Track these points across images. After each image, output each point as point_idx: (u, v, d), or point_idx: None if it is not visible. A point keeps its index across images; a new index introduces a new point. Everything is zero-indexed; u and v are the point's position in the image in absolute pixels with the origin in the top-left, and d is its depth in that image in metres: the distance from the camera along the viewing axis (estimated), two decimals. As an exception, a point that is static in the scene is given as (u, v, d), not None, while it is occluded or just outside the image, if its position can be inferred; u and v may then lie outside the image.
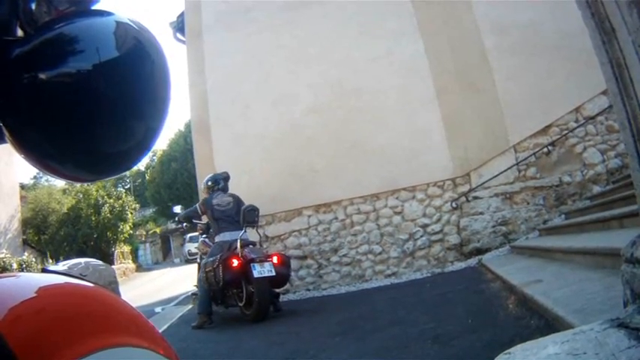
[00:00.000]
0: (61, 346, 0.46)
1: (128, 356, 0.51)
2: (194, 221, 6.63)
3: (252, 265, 5.15)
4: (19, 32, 0.52)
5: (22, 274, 0.63)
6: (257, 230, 6.12)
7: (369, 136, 7.41)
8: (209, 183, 6.31)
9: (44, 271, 0.65)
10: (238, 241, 5.44)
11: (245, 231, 5.67)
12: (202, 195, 6.38)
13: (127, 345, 0.52)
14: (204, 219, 6.47)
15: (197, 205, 6.26)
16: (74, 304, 0.54)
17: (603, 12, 1.49)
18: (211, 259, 5.46)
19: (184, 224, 6.77)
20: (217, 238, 5.81)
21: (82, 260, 6.16)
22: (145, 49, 0.54)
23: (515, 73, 7.14)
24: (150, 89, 0.54)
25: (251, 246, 5.65)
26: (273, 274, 5.21)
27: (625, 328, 1.33)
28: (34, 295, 0.52)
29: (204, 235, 6.60)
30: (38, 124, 0.49)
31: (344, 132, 7.52)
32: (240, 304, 5.45)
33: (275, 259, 5.40)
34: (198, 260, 6.69)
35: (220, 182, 6.31)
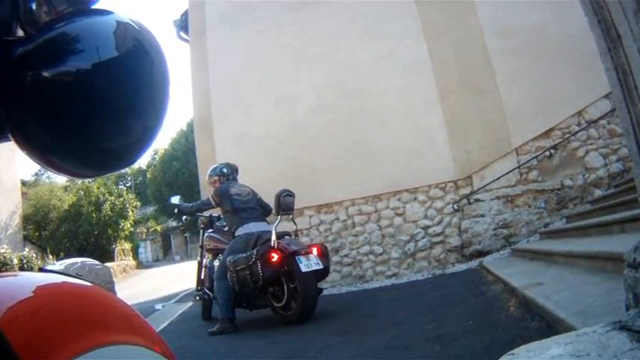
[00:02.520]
0: (59, 344, 0.47)
1: (124, 354, 0.52)
2: (197, 214, 5.94)
3: (297, 258, 4.57)
4: (20, 32, 0.54)
5: (20, 273, 0.64)
6: (293, 219, 5.40)
7: (372, 137, 7.43)
8: (224, 170, 5.64)
9: (42, 270, 0.66)
10: (273, 232, 4.75)
11: (280, 220, 5.01)
12: (212, 186, 5.64)
13: (123, 343, 0.53)
14: (206, 212, 5.90)
15: (209, 196, 5.49)
16: (71, 303, 0.55)
17: (610, 19, 1.51)
18: (244, 254, 4.75)
19: (184, 217, 6.00)
20: (240, 231, 5.09)
21: (79, 260, 6.13)
22: (144, 48, 0.55)
23: (518, 76, 7.15)
24: (148, 88, 0.56)
25: (287, 237, 4.96)
26: (321, 267, 4.68)
27: (627, 331, 1.36)
28: (32, 294, 0.53)
29: (209, 230, 5.90)
30: (41, 120, 0.51)
31: (346, 132, 7.54)
32: (279, 305, 4.78)
33: (315, 251, 4.85)
34: (199, 259, 6.12)
35: (231, 172, 5.69)
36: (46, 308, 0.51)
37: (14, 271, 12.66)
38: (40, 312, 0.50)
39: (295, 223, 5.45)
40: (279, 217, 4.99)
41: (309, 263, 4.59)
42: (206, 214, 5.96)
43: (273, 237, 4.70)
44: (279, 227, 4.94)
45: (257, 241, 4.91)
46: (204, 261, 5.99)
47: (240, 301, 5.04)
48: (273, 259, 4.56)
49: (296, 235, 5.33)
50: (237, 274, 4.70)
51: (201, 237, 6.08)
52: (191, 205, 5.72)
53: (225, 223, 5.71)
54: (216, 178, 5.59)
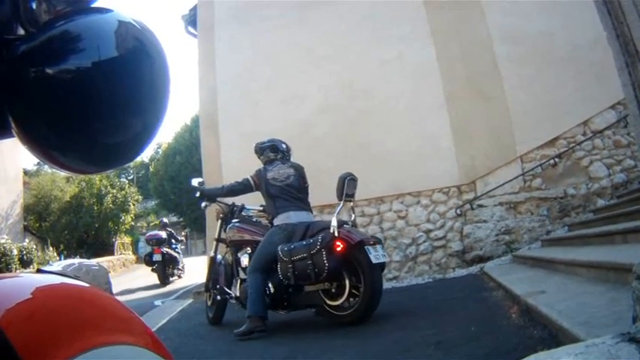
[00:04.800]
0: (57, 344, 0.48)
1: (121, 354, 0.53)
2: (218, 200, 5.17)
3: (366, 248, 4.01)
4: (21, 31, 0.55)
5: (18, 274, 0.65)
6: (353, 206, 4.78)
7: (377, 139, 7.44)
8: (273, 146, 4.93)
9: (39, 271, 0.67)
10: (334, 219, 4.15)
11: (342, 206, 4.42)
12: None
13: (120, 343, 0.54)
14: (228, 199, 5.19)
15: (249, 176, 4.77)
16: (69, 304, 0.56)
17: (629, 35, 1.51)
18: (304, 242, 4.17)
19: (203, 204, 5.25)
20: (278, 220, 4.49)
21: (76, 261, 6.14)
22: (145, 47, 0.56)
23: (525, 83, 7.17)
24: (149, 86, 0.57)
25: (346, 226, 4.30)
26: (387, 259, 4.30)
27: (636, 343, 1.37)
28: (31, 295, 0.54)
29: (234, 220, 5.08)
30: (43, 117, 0.52)
31: (352, 134, 7.55)
32: (336, 303, 4.20)
33: None
34: (212, 253, 5.40)
35: (280, 150, 4.94)
36: (44, 309, 0.52)
37: (13, 262, 12.67)
38: (38, 313, 0.51)
39: (354, 211, 4.87)
40: (341, 202, 4.42)
41: (377, 255, 4.04)
42: (228, 201, 5.22)
43: (334, 224, 4.12)
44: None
45: (306, 231, 4.34)
46: (218, 257, 5.34)
47: (279, 300, 4.43)
48: (338, 249, 4.02)
49: (354, 225, 4.64)
50: (294, 265, 4.11)
51: (218, 228, 5.36)
52: (221, 187, 5.01)
53: (251, 213, 5.27)
54: (258, 156, 4.97)
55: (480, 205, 7.07)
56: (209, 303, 5.30)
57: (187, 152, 22.31)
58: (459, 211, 7.12)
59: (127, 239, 26.08)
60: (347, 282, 4.14)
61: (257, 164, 5.60)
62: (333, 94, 7.78)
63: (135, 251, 27.44)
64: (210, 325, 5.20)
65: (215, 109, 8.31)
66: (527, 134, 7.08)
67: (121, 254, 23.17)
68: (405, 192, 7.35)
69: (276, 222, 4.53)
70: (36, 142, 0.54)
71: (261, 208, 5.25)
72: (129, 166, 40.71)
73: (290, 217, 4.48)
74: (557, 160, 6.98)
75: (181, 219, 28.16)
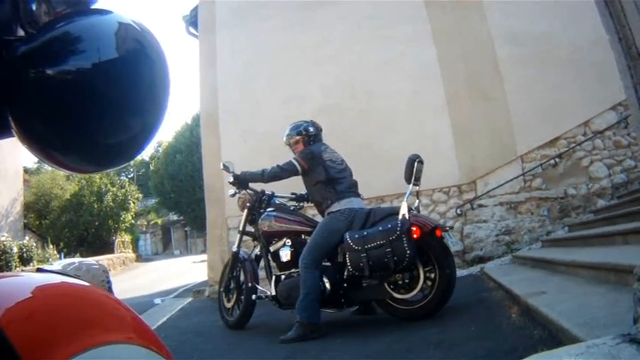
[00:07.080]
0: (57, 343, 0.48)
1: (121, 353, 0.53)
2: (250, 187, 4.65)
3: (445, 234, 3.79)
4: (20, 32, 0.55)
5: (19, 273, 0.66)
6: (418, 192, 4.39)
7: (378, 139, 7.44)
8: (310, 129, 4.52)
9: (40, 270, 0.68)
10: (404, 204, 3.86)
11: (411, 191, 4.11)
12: (292, 148, 4.56)
13: (120, 342, 0.54)
14: (255, 185, 4.66)
15: (293, 159, 4.28)
16: (69, 303, 0.56)
17: (631, 38, 1.52)
18: (379, 228, 3.78)
19: (233, 192, 4.75)
20: (339, 206, 4.05)
21: (76, 260, 6.18)
22: (144, 48, 0.57)
23: (526, 84, 7.17)
24: (148, 86, 0.57)
25: (414, 211, 3.98)
26: (461, 246, 4.05)
27: (637, 344, 1.39)
28: (31, 294, 0.54)
29: (269, 209, 4.55)
30: (42, 117, 0.52)
31: (353, 134, 7.53)
32: (407, 296, 3.85)
33: None
34: (235, 248, 4.83)
35: (317, 133, 4.58)
36: (44, 308, 0.52)
37: (13, 259, 12.67)
38: (38, 312, 0.51)
39: (418, 197, 4.47)
40: (410, 186, 4.11)
41: (453, 241, 3.85)
42: (257, 187, 4.70)
43: (405, 210, 3.81)
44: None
45: (367, 218, 3.98)
46: (242, 252, 4.84)
47: (335, 297, 4.04)
48: (414, 236, 3.69)
49: (418, 211, 4.23)
50: (369, 254, 3.70)
51: (243, 219, 4.79)
52: (261, 171, 4.40)
53: (282, 201, 4.82)
54: (299, 137, 4.47)
55: (481, 205, 7.08)
56: (228, 305, 4.81)
57: (188, 151, 22.31)
58: (459, 211, 7.12)
59: (127, 237, 26.12)
60: (421, 271, 3.80)
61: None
62: (333, 94, 7.78)
63: (135, 249, 27.45)
64: (210, 324, 5.18)
65: (216, 109, 8.32)
66: (528, 134, 7.08)
67: (120, 252, 23.22)
68: (405, 191, 7.33)
69: (336, 207, 4.08)
70: (36, 142, 0.55)
71: (293, 196, 4.98)
72: (129, 164, 40.65)
73: (353, 203, 4.11)
74: (557, 160, 6.99)
75: (181, 217, 28.16)
